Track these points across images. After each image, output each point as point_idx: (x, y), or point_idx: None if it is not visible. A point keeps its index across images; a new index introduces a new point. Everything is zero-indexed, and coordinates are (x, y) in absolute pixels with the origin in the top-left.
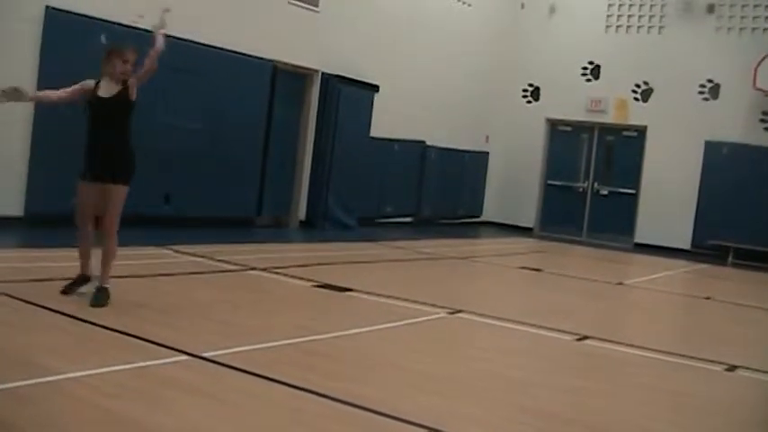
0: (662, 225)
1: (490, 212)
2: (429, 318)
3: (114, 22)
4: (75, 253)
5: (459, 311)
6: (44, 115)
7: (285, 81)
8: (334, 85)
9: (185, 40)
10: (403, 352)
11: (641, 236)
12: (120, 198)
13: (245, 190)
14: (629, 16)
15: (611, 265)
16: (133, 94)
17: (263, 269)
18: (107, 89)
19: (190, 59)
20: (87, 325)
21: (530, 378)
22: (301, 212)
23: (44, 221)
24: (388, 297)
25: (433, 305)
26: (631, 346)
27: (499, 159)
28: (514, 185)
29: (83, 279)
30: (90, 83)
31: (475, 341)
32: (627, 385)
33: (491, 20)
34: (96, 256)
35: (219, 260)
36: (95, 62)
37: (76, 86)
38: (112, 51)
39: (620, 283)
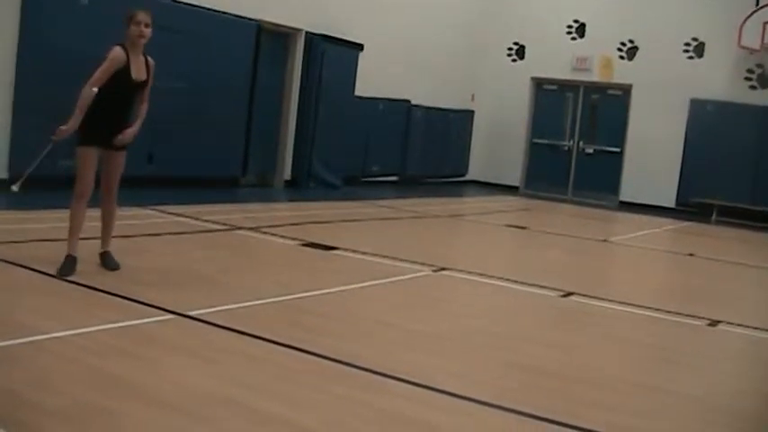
0: (647, 183)
1: (476, 171)
2: (414, 275)
3: None
4: (59, 214)
5: (445, 269)
6: (26, 76)
7: (269, 40)
8: (319, 44)
9: (179, 2)
10: (388, 309)
11: (626, 194)
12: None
13: (230, 150)
14: None
15: (597, 223)
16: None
17: (249, 229)
18: (137, 68)
19: (174, 19)
20: (72, 285)
21: (514, 334)
22: (286, 172)
23: (29, 183)
24: (374, 255)
25: (419, 263)
26: (616, 301)
27: (485, 118)
28: (500, 144)
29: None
30: (121, 55)
31: (460, 298)
32: (611, 340)
33: None
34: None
35: (205, 220)
36: (77, 23)
37: (109, 68)
38: (136, 14)
39: (606, 241)
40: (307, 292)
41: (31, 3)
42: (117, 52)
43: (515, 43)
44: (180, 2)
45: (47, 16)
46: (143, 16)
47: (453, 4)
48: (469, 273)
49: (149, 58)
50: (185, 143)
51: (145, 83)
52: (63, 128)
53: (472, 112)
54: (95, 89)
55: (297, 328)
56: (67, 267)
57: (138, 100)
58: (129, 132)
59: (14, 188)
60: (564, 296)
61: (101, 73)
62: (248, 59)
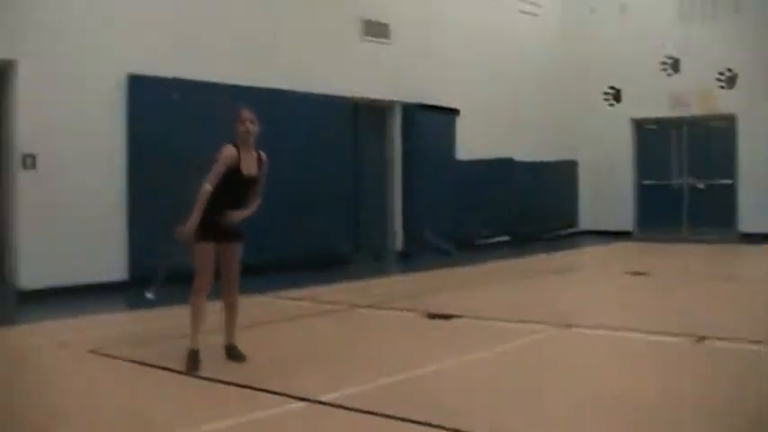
0: (766, 211)
1: (586, 221)
2: (539, 336)
3: (183, 79)
4: (181, 311)
5: (570, 326)
6: (137, 178)
7: (367, 115)
8: (415, 113)
9: (268, 88)
10: (520, 376)
11: (745, 225)
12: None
13: (340, 228)
14: (702, 4)
15: (718, 260)
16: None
17: (367, 306)
18: (248, 164)
19: (273, 105)
20: (199, 380)
21: (655, 392)
22: (398, 243)
23: (147, 283)
24: (496, 319)
25: (543, 322)
26: (753, 342)
27: (588, 166)
28: (607, 191)
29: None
30: (232, 152)
31: (590, 356)
32: (759, 384)
33: (559, 27)
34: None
35: (322, 301)
36: (170, 116)
37: (221, 166)
38: (240, 113)
39: (731, 278)
40: (434, 364)
41: (132, 102)
42: (228, 150)
43: (611, 87)
44: (277, 89)
45: (146, 112)
46: (247, 114)
47: (540, 55)
48: (596, 327)
49: (262, 153)
50: (295, 226)
51: (257, 178)
52: (182, 228)
53: (575, 161)
54: (210, 187)
55: (429, 404)
56: (192, 362)
57: (251, 195)
58: (237, 213)
59: (149, 295)
60: (698, 341)
61: (215, 172)
62: (348, 136)
